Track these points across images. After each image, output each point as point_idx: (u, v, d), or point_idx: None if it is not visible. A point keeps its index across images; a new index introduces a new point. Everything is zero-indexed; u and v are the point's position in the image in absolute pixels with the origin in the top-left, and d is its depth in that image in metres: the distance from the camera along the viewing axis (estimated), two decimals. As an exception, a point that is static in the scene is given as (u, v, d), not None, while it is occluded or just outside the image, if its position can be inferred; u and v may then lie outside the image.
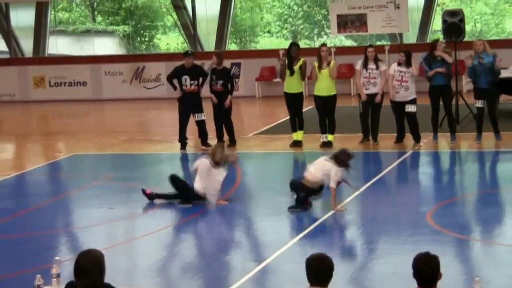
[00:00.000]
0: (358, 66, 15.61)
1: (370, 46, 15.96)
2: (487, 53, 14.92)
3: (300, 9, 35.15)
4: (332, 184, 10.90)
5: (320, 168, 11.03)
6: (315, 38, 33.46)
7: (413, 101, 15.21)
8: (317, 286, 5.42)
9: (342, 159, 11.05)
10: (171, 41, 36.50)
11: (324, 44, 16.06)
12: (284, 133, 17.02)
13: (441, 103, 15.33)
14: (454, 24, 17.48)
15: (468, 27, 25.71)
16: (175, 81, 16.08)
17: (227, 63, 22.18)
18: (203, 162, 11.59)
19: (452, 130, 15.43)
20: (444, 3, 31.30)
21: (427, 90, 15.43)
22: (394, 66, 15.45)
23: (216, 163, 11.56)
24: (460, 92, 17.33)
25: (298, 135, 15.87)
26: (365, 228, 10.48)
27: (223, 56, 16.56)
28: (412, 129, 15.36)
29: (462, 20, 17.56)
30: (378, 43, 28.63)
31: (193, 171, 11.73)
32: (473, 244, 9.63)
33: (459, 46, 17.26)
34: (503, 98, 19.45)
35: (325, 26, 33.38)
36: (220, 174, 11.62)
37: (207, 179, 11.49)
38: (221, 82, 16.02)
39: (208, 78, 16.12)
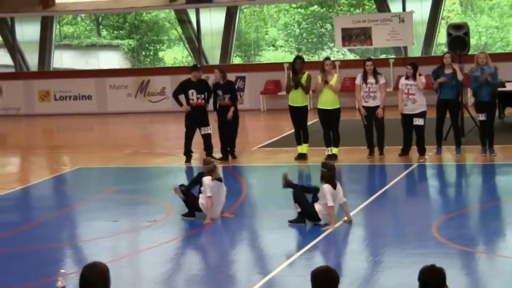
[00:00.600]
0: (358, 80, 15.62)
1: (369, 59, 15.97)
2: (489, 66, 14.95)
3: (304, 22, 35.20)
4: (329, 203, 10.81)
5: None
6: (319, 52, 33.50)
7: (421, 114, 15.20)
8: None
9: (324, 175, 10.89)
10: (176, 55, 36.56)
11: (327, 58, 16.09)
12: (289, 146, 17.01)
13: (448, 115, 15.35)
14: (459, 37, 17.49)
15: (473, 41, 25.69)
16: (181, 97, 16.07)
17: (231, 77, 22.25)
18: (208, 182, 11.47)
19: (458, 143, 15.43)
20: (449, 17, 31.33)
21: (435, 103, 15.46)
22: (402, 80, 15.50)
23: (218, 178, 11.55)
24: (465, 105, 17.33)
25: (303, 148, 15.87)
26: (371, 240, 10.46)
27: (225, 70, 16.57)
28: (419, 141, 15.35)
29: (467, 34, 17.57)
30: (381, 56, 28.65)
31: (210, 197, 11.55)
32: (479, 257, 9.60)
33: (464, 59, 17.27)
34: (509, 111, 19.46)
35: (328, 39, 33.42)
36: (223, 187, 11.64)
37: (215, 195, 11.47)
38: (228, 96, 16.04)
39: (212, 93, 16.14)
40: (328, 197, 10.76)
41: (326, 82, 15.31)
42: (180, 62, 34.54)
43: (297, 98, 15.75)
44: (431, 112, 15.77)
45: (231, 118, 16.01)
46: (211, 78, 16.58)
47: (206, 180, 11.42)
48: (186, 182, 15.46)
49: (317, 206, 10.96)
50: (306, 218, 11.09)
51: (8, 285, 9.14)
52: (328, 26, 32.84)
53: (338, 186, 11.01)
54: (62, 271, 7.16)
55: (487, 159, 15.04)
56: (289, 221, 11.15)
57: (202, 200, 11.56)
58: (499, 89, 16.16)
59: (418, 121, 15.21)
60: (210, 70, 20.32)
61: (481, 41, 32.39)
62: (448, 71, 15.23)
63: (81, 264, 6.75)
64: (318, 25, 34.58)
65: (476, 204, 12.43)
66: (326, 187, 10.82)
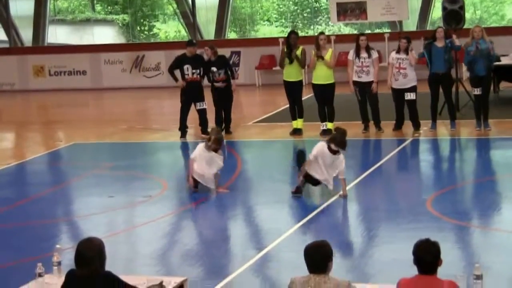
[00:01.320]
0: (350, 56, 15.58)
1: (362, 34, 15.94)
2: (484, 40, 14.93)
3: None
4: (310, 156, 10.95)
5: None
6: (314, 26, 33.40)
7: (412, 89, 15.21)
8: (317, 274, 5.43)
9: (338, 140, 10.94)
10: (170, 29, 36.43)
11: (322, 33, 16.06)
12: (284, 121, 17.02)
13: (441, 91, 15.35)
14: (454, 11, 17.44)
15: (468, 15, 25.65)
16: (177, 72, 16.04)
17: (227, 51, 22.19)
18: (200, 148, 11.59)
19: (452, 117, 15.44)
20: (444, -10, 31.19)
21: (427, 78, 15.45)
22: (393, 54, 15.45)
23: (214, 148, 11.55)
24: (460, 80, 17.33)
25: (298, 123, 15.88)
26: (365, 215, 10.50)
27: (215, 46, 16.49)
28: (412, 116, 15.37)
29: (462, 7, 17.52)
30: (376, 30, 28.59)
31: (192, 159, 11.67)
32: (473, 231, 9.65)
33: (460, 33, 17.22)
34: (503, 85, 19.46)
35: (324, 14, 33.32)
36: (220, 158, 11.62)
37: (207, 164, 11.48)
38: (223, 71, 16.00)
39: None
40: (313, 152, 10.87)
41: (321, 57, 15.29)
42: (174, 37, 34.43)
43: (291, 73, 15.73)
44: (423, 86, 15.76)
45: (235, 89, 16.08)
46: (206, 57, 16.50)
47: (200, 145, 11.56)
48: (181, 158, 15.52)
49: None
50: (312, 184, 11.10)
51: (4, 261, 9.17)
52: (323, 0, 32.74)
53: (341, 157, 10.97)
54: (57, 246, 7.19)
55: (482, 133, 15.07)
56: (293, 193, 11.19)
57: (195, 173, 11.58)
58: (494, 63, 16.15)
59: (410, 96, 15.21)
60: (205, 45, 20.25)
61: (476, 15, 32.32)
62: (440, 44, 15.20)
63: (77, 239, 6.78)
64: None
65: (470, 179, 12.47)
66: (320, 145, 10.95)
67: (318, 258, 5.45)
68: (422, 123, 15.47)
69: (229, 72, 16.10)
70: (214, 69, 15.96)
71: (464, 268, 7.93)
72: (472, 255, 8.61)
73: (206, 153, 11.52)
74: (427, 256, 5.36)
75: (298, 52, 15.60)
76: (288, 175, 12.44)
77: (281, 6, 35.82)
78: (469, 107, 16.50)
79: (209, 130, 15.87)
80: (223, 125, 16.09)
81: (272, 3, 36.46)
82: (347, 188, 11.28)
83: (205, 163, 11.52)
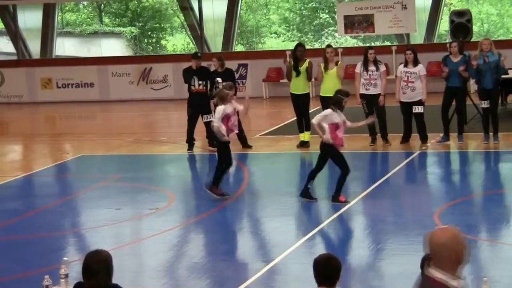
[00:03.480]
0: (358, 69, 15.60)
1: (371, 47, 15.96)
2: (492, 52, 14.92)
3: (306, 10, 35.15)
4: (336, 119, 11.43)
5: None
6: (321, 39, 33.46)
7: (420, 102, 15.19)
8: (325, 287, 5.41)
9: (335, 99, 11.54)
10: (178, 42, 36.53)
11: (329, 45, 16.08)
12: (291, 133, 17.02)
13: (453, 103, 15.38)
14: (462, 24, 17.44)
15: (475, 28, 25.64)
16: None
17: (234, 64, 22.21)
18: (221, 108, 11.81)
19: (460, 130, 15.42)
20: (451, 3, 31.27)
21: (442, 90, 15.47)
22: (401, 67, 15.46)
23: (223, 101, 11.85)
24: (468, 92, 17.30)
25: (305, 136, 15.87)
26: (373, 228, 10.48)
27: (223, 58, 16.52)
28: (420, 129, 15.36)
29: (469, 21, 17.52)
30: (383, 43, 28.60)
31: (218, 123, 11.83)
32: (481, 244, 9.61)
33: (467, 46, 17.23)
34: (511, 98, 19.42)
35: (331, 27, 33.38)
36: (236, 105, 12.00)
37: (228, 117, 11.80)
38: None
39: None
40: (333, 118, 11.37)
41: (336, 64, 15.37)
42: (182, 50, 34.52)
43: (298, 86, 15.75)
44: (435, 99, 15.75)
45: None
46: (213, 66, 16.52)
47: (219, 108, 11.79)
48: (188, 170, 15.53)
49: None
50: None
51: (12, 273, 9.17)
52: (330, 13, 32.80)
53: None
54: (65, 258, 7.19)
55: (490, 146, 15.04)
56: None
57: (215, 124, 11.87)
58: (502, 76, 16.12)
59: (418, 109, 15.20)
60: (213, 57, 20.28)
61: (483, 28, 32.33)
62: (455, 59, 15.19)
63: (84, 251, 6.78)
64: (320, 12, 34.53)
65: (478, 192, 12.43)
66: (329, 111, 11.46)
67: (327, 270, 5.43)
68: (430, 136, 15.45)
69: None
70: (219, 79, 15.94)
71: (472, 282, 7.90)
72: (480, 269, 8.58)
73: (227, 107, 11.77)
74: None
75: (304, 65, 15.61)
76: (295, 187, 12.42)
77: (288, 19, 35.90)
78: (476, 120, 16.47)
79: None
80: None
81: (279, 16, 36.54)
82: (355, 201, 11.25)
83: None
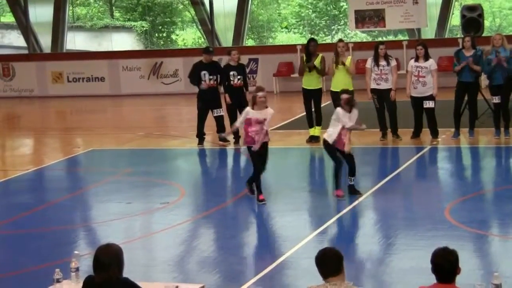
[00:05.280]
0: (369, 64, 15.57)
1: (381, 43, 15.92)
2: (504, 48, 14.85)
3: (317, 4, 35.09)
4: (347, 125, 11.40)
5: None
6: (333, 33, 33.42)
7: (431, 97, 15.15)
8: (333, 277, 5.42)
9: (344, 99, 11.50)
10: (188, 36, 36.54)
11: (341, 40, 16.04)
12: (301, 128, 17.00)
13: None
14: (473, 19, 17.38)
15: (486, 22, 25.56)
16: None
17: (245, 59, 22.19)
18: (247, 112, 11.44)
19: (472, 125, 15.37)
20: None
21: (455, 85, 15.39)
22: (412, 62, 15.41)
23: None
24: (479, 88, 17.22)
25: (315, 131, 15.85)
26: (383, 223, 10.47)
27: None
28: (430, 124, 15.32)
29: (481, 15, 17.45)
30: (392, 38, 28.53)
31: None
32: (492, 240, 9.59)
33: (478, 41, 17.15)
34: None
35: (341, 21, 33.32)
36: (267, 114, 11.48)
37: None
38: (242, 77, 16.00)
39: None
40: (344, 120, 11.32)
41: (342, 63, 15.30)
42: (192, 44, 34.52)
43: (311, 81, 15.73)
44: (446, 94, 15.69)
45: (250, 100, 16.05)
46: (224, 61, 16.52)
47: (245, 109, 11.53)
48: (198, 165, 15.54)
49: (330, 130, 11.41)
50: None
51: (22, 266, 9.20)
52: (343, 6, 32.72)
53: (355, 112, 11.57)
54: (76, 252, 7.21)
55: (501, 141, 14.99)
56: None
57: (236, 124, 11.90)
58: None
59: (429, 104, 15.15)
60: (223, 52, 20.30)
61: (495, 23, 32.20)
62: (468, 53, 15.13)
63: (95, 245, 6.79)
64: (332, 7, 34.47)
65: (489, 187, 12.40)
66: (340, 110, 11.39)
67: (328, 263, 5.44)
68: (440, 131, 15.42)
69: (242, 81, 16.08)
70: (234, 73, 15.92)
71: (483, 277, 7.89)
72: (491, 264, 8.56)
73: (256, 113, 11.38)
74: (445, 264, 5.34)
75: (318, 60, 15.60)
76: (305, 182, 12.42)
77: (299, 13, 35.84)
78: (487, 115, 16.42)
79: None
80: (239, 135, 16.08)
81: (290, 10, 36.48)
82: (366, 195, 11.26)
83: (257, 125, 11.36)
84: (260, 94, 11.35)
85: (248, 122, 11.38)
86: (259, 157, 11.43)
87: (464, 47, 15.28)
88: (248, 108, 11.49)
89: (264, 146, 11.44)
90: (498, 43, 14.81)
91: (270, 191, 12.28)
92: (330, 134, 11.44)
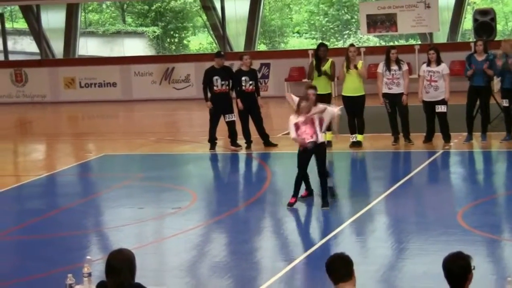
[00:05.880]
0: (380, 69, 15.55)
1: (393, 47, 15.89)
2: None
3: (328, 9, 35.09)
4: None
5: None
6: (344, 38, 33.39)
7: (443, 101, 15.12)
8: (341, 283, 5.41)
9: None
10: (200, 41, 36.58)
11: (352, 45, 16.02)
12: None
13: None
14: (485, 23, 17.35)
15: (499, 26, 25.48)
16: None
17: (257, 64, 22.21)
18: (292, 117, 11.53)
19: (484, 129, 15.33)
20: (475, 2, 31.08)
21: (467, 90, 15.35)
22: (424, 67, 15.39)
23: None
24: (491, 92, 17.19)
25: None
26: (395, 228, 10.44)
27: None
28: (443, 128, 15.28)
29: (493, 19, 17.41)
30: (402, 41, 28.48)
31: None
32: (505, 244, 9.55)
33: (491, 45, 17.12)
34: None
35: (353, 26, 33.29)
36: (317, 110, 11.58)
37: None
38: (253, 82, 16.01)
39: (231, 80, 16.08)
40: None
41: (355, 66, 15.28)
42: (204, 49, 34.56)
43: (320, 86, 15.64)
44: (459, 98, 15.64)
45: (261, 105, 16.08)
46: (235, 66, 16.53)
47: (290, 118, 11.53)
48: (210, 170, 15.53)
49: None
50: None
51: (35, 271, 9.22)
52: (355, 10, 32.69)
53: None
54: (88, 257, 7.22)
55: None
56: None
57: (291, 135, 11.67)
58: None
59: (441, 108, 15.12)
60: (235, 57, 20.32)
61: (508, 26, 32.11)
62: (480, 58, 15.10)
63: (107, 250, 6.80)
64: (343, 11, 34.45)
65: (501, 191, 12.35)
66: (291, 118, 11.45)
67: (338, 268, 5.43)
68: (453, 136, 15.37)
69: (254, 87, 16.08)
70: (246, 78, 15.94)
71: (496, 282, 7.86)
72: (504, 269, 8.52)
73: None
74: (456, 270, 5.31)
75: (328, 65, 15.58)
76: (317, 187, 12.39)
77: (311, 18, 35.84)
78: (500, 119, 16.37)
79: (238, 142, 15.94)
80: (251, 140, 16.09)
81: (302, 15, 36.49)
82: (378, 200, 11.23)
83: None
84: (303, 104, 11.51)
85: (297, 127, 11.51)
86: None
87: (476, 51, 15.24)
88: (291, 117, 11.54)
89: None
90: (504, 49, 14.81)
91: (282, 196, 12.27)
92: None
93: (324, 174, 11.36)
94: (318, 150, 11.36)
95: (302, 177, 11.41)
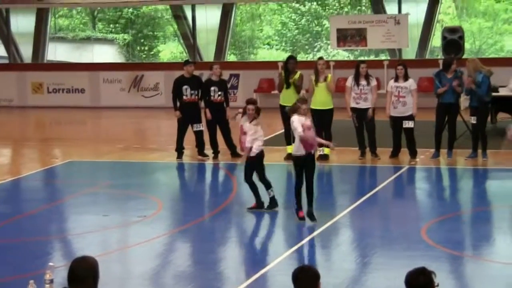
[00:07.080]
0: (349, 83, 15.64)
1: (363, 62, 15.98)
2: (480, 71, 14.99)
3: (299, 22, 35.21)
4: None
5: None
6: (314, 51, 33.53)
7: (410, 117, 15.22)
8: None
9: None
10: (172, 50, 36.52)
11: (321, 58, 16.09)
12: (281, 145, 16.99)
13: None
14: (454, 41, 17.51)
15: (467, 45, 25.73)
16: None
17: (226, 74, 22.23)
18: (296, 118, 11.44)
19: (450, 146, 15.44)
20: (443, 20, 31.36)
21: (435, 106, 15.46)
22: (391, 82, 15.48)
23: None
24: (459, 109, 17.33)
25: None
26: (360, 242, 10.48)
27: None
28: (409, 144, 15.37)
29: (461, 37, 17.58)
30: (374, 57, 28.67)
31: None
32: (467, 261, 9.63)
33: (459, 63, 17.27)
34: (501, 116, 19.45)
35: (323, 39, 33.45)
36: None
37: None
38: (222, 93, 16.02)
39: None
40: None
41: (324, 79, 15.33)
42: (174, 58, 34.51)
43: (288, 98, 15.72)
44: (426, 114, 15.75)
45: (231, 117, 16.06)
46: (205, 75, 16.54)
47: (294, 118, 11.40)
48: (177, 178, 15.51)
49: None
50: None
51: (-4, 276, 9.14)
52: (325, 24, 32.85)
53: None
54: (50, 264, 7.16)
55: (478, 163, 15.07)
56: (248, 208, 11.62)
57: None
58: (493, 93, 16.14)
59: (408, 124, 15.21)
60: (205, 66, 20.30)
61: (475, 45, 32.45)
62: (449, 75, 15.22)
63: (70, 257, 6.76)
64: (314, 24, 34.59)
65: (465, 208, 12.46)
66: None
67: (306, 280, 5.44)
68: (419, 151, 15.48)
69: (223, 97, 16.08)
70: (215, 88, 15.94)
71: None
72: (466, 286, 8.60)
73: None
74: (417, 285, 5.33)
75: (296, 77, 15.63)
76: (282, 198, 12.42)
77: (282, 30, 35.94)
78: (465, 137, 16.51)
79: (205, 152, 15.93)
80: (218, 150, 16.07)
81: (272, 28, 36.59)
82: (343, 214, 11.26)
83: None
84: (303, 107, 11.49)
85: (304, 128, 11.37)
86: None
87: (444, 68, 15.34)
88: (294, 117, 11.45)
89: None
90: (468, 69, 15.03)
91: (248, 206, 12.27)
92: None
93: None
94: (308, 163, 11.40)
95: (300, 188, 11.34)
